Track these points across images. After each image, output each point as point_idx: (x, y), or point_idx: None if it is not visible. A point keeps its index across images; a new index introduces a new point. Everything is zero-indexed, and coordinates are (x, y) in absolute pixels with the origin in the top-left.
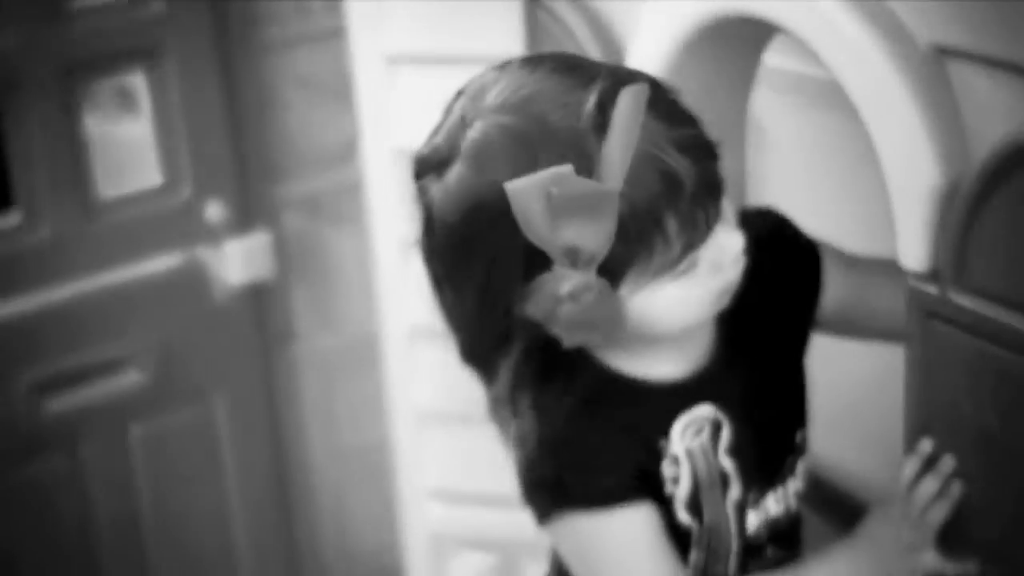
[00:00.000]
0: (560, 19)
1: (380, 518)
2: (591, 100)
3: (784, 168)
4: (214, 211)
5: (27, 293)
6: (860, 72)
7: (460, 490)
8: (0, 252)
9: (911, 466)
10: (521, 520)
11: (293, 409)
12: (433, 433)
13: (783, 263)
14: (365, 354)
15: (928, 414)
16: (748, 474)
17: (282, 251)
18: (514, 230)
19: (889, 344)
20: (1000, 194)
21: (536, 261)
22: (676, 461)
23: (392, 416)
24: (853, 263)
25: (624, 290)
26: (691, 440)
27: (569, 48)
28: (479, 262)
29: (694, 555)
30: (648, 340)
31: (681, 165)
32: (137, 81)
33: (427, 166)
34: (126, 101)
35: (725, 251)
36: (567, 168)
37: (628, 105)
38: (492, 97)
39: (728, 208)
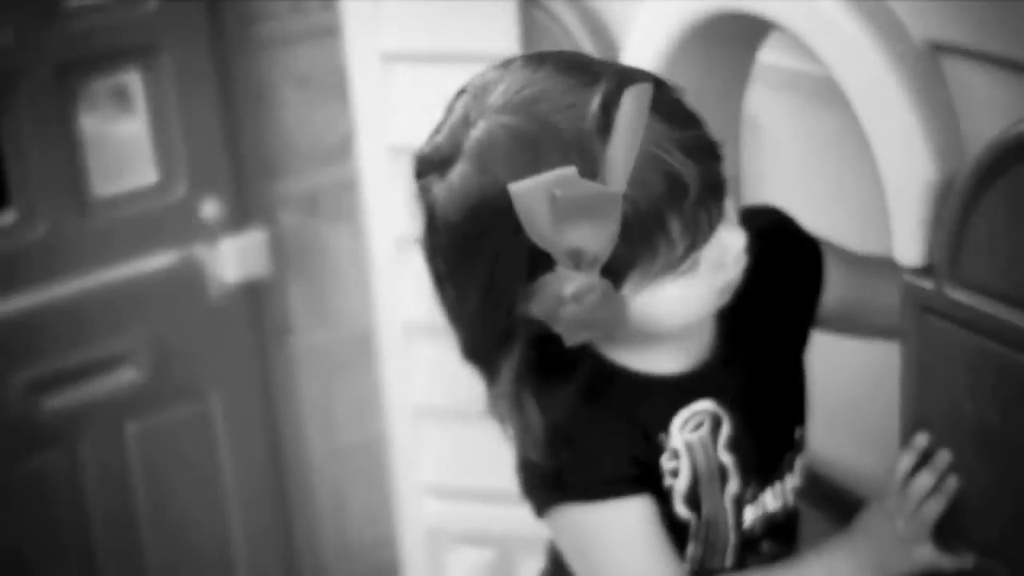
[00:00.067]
0: (556, 17)
1: (377, 514)
2: (595, 101)
3: (779, 165)
4: (210, 209)
5: (23, 291)
6: (855, 68)
7: (457, 485)
8: None
9: (907, 460)
10: (518, 515)
11: (290, 406)
12: (430, 429)
13: (784, 260)
14: (361, 351)
15: (924, 409)
16: (747, 469)
17: (278, 248)
18: (517, 230)
19: (888, 341)
20: (995, 189)
21: (539, 261)
22: (675, 455)
23: (389, 412)
24: (854, 261)
25: (627, 290)
26: (691, 434)
27: (565, 46)
28: (482, 261)
29: (691, 548)
30: (650, 336)
31: (685, 166)
32: (133, 79)
33: (429, 165)
34: (122, 99)
35: (727, 250)
36: (571, 170)
37: (632, 106)
38: (495, 97)
39: (730, 207)
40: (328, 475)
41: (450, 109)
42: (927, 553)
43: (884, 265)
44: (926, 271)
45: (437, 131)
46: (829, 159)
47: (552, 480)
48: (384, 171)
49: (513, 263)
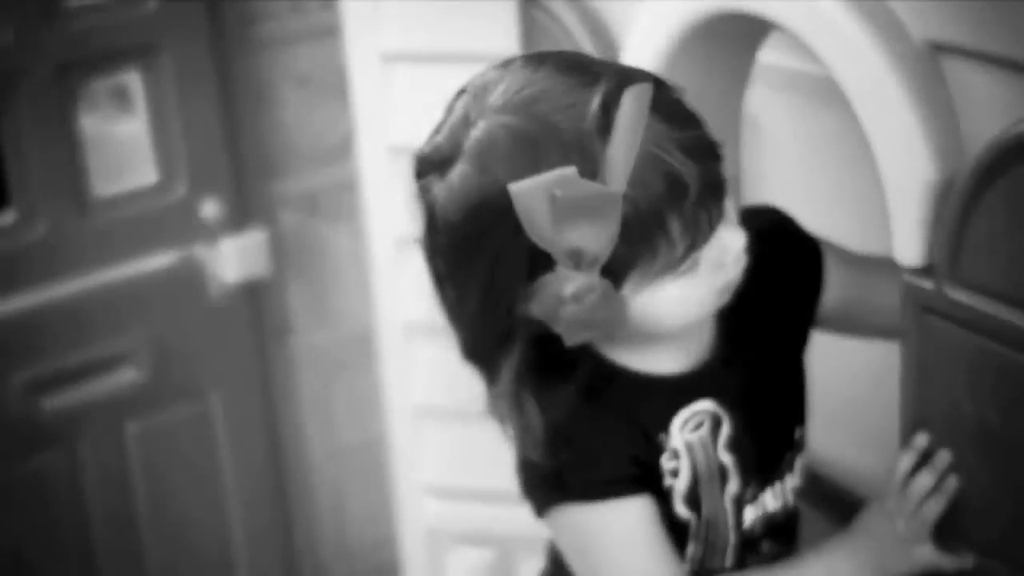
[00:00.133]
0: (556, 17)
1: (377, 514)
2: (595, 101)
3: (780, 164)
4: (210, 209)
5: (23, 291)
6: (855, 68)
7: (457, 486)
8: None
9: (906, 460)
10: (518, 515)
11: (290, 406)
12: (429, 429)
13: (784, 261)
14: (361, 351)
15: (924, 409)
16: (747, 469)
17: (278, 248)
18: (518, 230)
19: (888, 341)
20: (995, 189)
21: (539, 261)
22: (675, 454)
23: (389, 412)
24: (855, 261)
25: (627, 290)
26: (691, 434)
27: (564, 46)
28: (482, 261)
29: (691, 548)
30: (650, 336)
31: (685, 167)
32: (133, 79)
33: (429, 165)
34: (122, 99)
35: (727, 250)
36: (571, 170)
37: (632, 106)
38: (496, 97)
39: (730, 207)
40: (328, 475)
41: (450, 109)
42: (927, 553)
43: (884, 265)
44: (926, 271)
45: (437, 131)
46: (829, 159)
47: (552, 480)
48: (384, 171)
49: (513, 263)
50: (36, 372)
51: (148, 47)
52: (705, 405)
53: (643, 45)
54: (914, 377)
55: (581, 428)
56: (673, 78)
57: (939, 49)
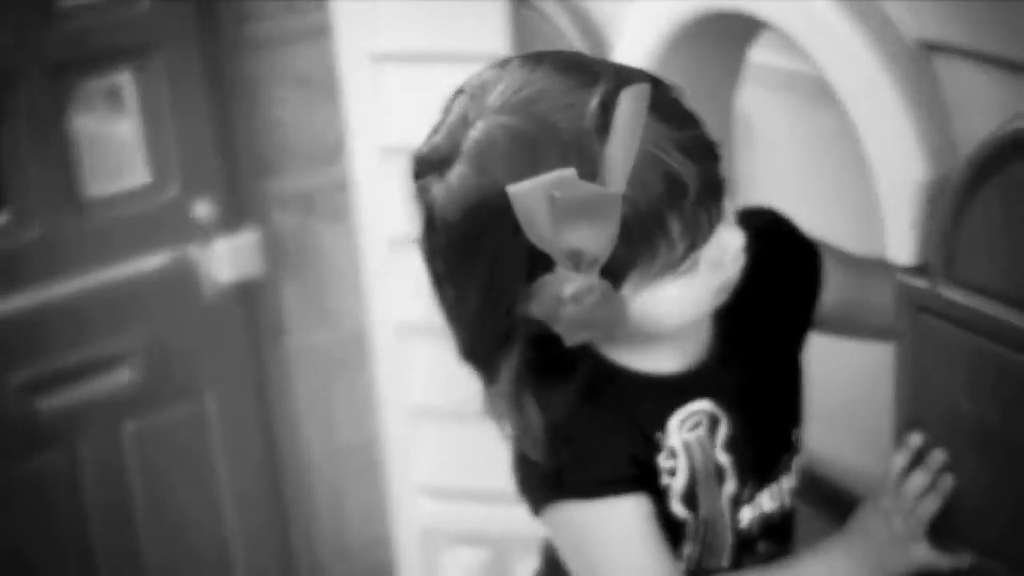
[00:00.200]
0: (547, 17)
1: (372, 513)
2: (594, 101)
3: (772, 164)
4: (203, 209)
5: (17, 292)
6: (847, 68)
7: (452, 486)
8: None
9: (901, 459)
10: (512, 515)
11: (285, 406)
12: (425, 429)
13: (782, 262)
14: (356, 351)
15: (918, 408)
16: (744, 469)
17: (272, 249)
18: (517, 230)
19: (886, 342)
20: (988, 188)
21: (539, 261)
22: (673, 453)
23: (383, 412)
24: (852, 263)
25: (626, 290)
26: (688, 433)
27: (555, 46)
28: (482, 262)
29: (688, 548)
30: (649, 336)
31: (684, 167)
32: (126, 80)
33: (428, 165)
34: (115, 100)
35: (726, 249)
36: (570, 171)
37: (630, 107)
38: (494, 97)
39: (728, 206)
40: (323, 475)
41: (447, 109)
42: (923, 552)
43: (881, 266)
44: (920, 270)
45: (435, 131)
46: (822, 159)
47: (549, 478)
48: (376, 171)
49: (512, 263)
50: (32, 373)
51: (141, 47)
52: (703, 405)
53: (634, 45)
54: (908, 376)
55: (580, 427)
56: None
57: (931, 48)
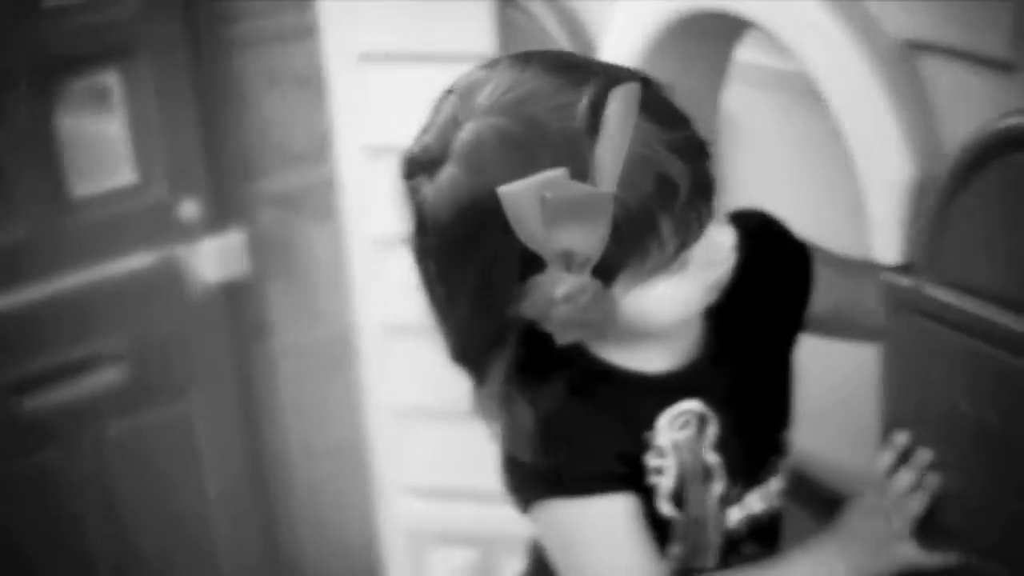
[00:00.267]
0: (532, 17)
1: (359, 514)
2: (583, 101)
3: (758, 163)
4: (189, 209)
5: (2, 292)
6: (832, 67)
7: (438, 486)
8: None
9: (886, 458)
10: (500, 515)
11: (270, 406)
12: (410, 429)
13: (773, 264)
14: (342, 350)
15: (905, 406)
16: (732, 470)
17: (257, 249)
18: (508, 231)
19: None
20: (973, 186)
21: (530, 262)
22: (661, 453)
23: (369, 412)
24: (843, 265)
25: (618, 289)
26: (677, 433)
27: (541, 46)
28: (473, 263)
29: (674, 547)
30: (639, 334)
31: (674, 167)
32: (111, 79)
33: (417, 166)
34: (100, 100)
35: (717, 248)
36: (560, 172)
37: (620, 107)
38: (483, 97)
39: (719, 204)
40: (310, 475)
41: (437, 110)
42: (909, 551)
43: (871, 268)
44: (905, 269)
45: (424, 132)
46: (809, 158)
47: (537, 476)
48: (362, 171)
49: (504, 264)
50: (17, 373)
51: (127, 47)
52: (692, 405)
53: (619, 44)
54: (894, 374)
55: (568, 424)
56: None
57: (915, 47)
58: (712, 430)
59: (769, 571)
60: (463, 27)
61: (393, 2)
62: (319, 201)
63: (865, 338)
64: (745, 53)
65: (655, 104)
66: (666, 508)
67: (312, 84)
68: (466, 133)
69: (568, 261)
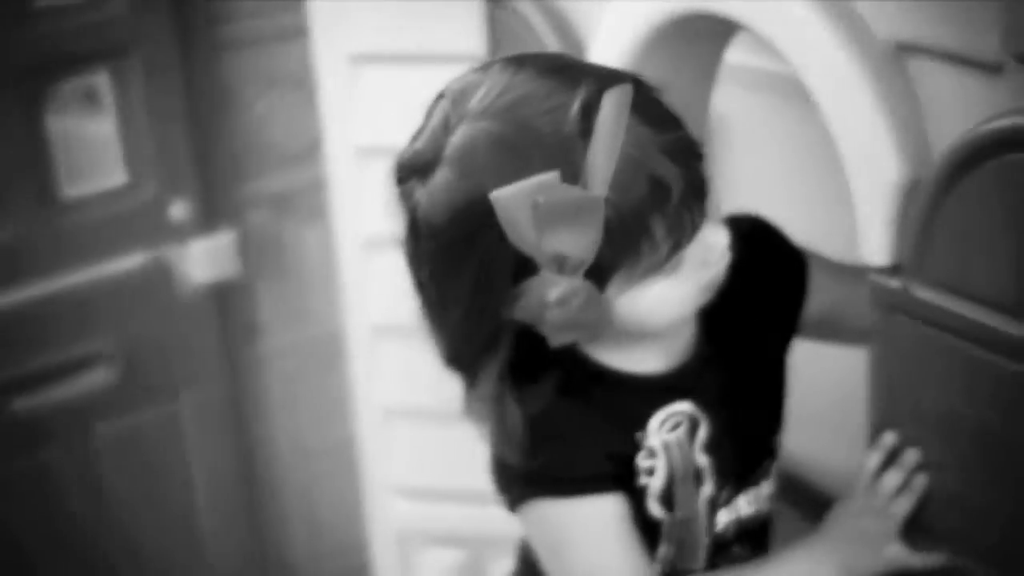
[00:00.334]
0: (522, 18)
1: (347, 515)
2: (575, 105)
3: (749, 164)
4: (179, 210)
5: None
6: (821, 69)
7: (427, 486)
8: None
9: (874, 459)
10: (488, 515)
11: (259, 407)
12: (399, 430)
13: (768, 267)
14: (331, 351)
15: (892, 407)
16: (723, 472)
17: (247, 249)
18: (501, 235)
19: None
20: (962, 189)
21: (523, 265)
22: (652, 453)
23: (358, 413)
24: (838, 270)
25: (611, 291)
26: (668, 434)
27: (531, 47)
28: (466, 267)
29: (663, 548)
30: (633, 335)
31: (667, 170)
32: (101, 80)
33: (410, 170)
34: (90, 100)
35: (711, 248)
36: (552, 176)
37: (612, 110)
38: (476, 101)
39: (713, 205)
40: (298, 476)
41: (429, 114)
42: (896, 552)
43: (863, 273)
44: (893, 270)
45: (417, 136)
46: (799, 159)
47: (526, 475)
48: (352, 172)
49: (497, 268)
50: (6, 374)
51: (117, 48)
52: (683, 406)
53: (609, 45)
54: (881, 376)
55: (559, 424)
56: None
57: (904, 49)
58: (703, 432)
59: (757, 572)
60: (453, 28)
61: (383, 3)
62: (309, 202)
63: (860, 342)
64: (736, 55)
65: (647, 106)
66: (655, 509)
67: (302, 85)
68: (458, 137)
69: (561, 264)
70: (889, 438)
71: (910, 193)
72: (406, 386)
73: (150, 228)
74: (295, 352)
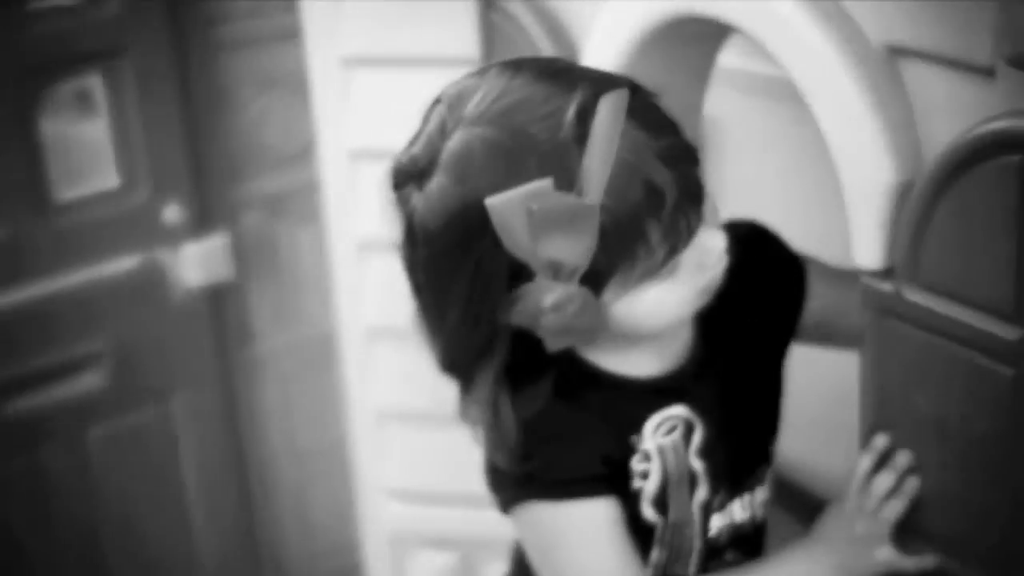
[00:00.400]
0: (515, 20)
1: (340, 517)
2: (571, 110)
3: (742, 167)
4: (172, 213)
5: None
6: (814, 72)
7: (419, 489)
8: None
9: (866, 461)
10: (481, 518)
11: (252, 409)
12: (392, 432)
13: (765, 273)
14: (324, 354)
15: (884, 410)
16: (717, 477)
17: (240, 252)
18: (497, 241)
19: None
20: (954, 192)
21: (519, 271)
22: (646, 457)
23: (351, 416)
24: (836, 276)
25: (608, 295)
26: (663, 438)
27: (525, 49)
28: (463, 272)
29: (656, 553)
30: (629, 338)
31: (662, 175)
32: (95, 83)
33: (406, 176)
34: (84, 103)
35: (708, 251)
36: (547, 182)
37: (607, 115)
38: (472, 106)
39: (709, 209)
40: (291, 478)
41: (426, 119)
42: (888, 554)
43: (857, 276)
44: (885, 274)
45: (413, 141)
46: (792, 162)
47: (520, 477)
48: (345, 174)
49: (493, 273)
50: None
51: (110, 50)
52: (679, 410)
53: (603, 48)
54: (874, 379)
55: (554, 426)
56: None
57: (897, 52)
58: (698, 436)
59: (749, 575)
60: (446, 31)
61: (376, 6)
62: (303, 204)
63: (851, 345)
64: (729, 58)
65: (643, 111)
66: (649, 513)
67: (295, 87)
68: (454, 143)
69: (556, 270)
70: (881, 440)
71: (903, 196)
72: (399, 388)
73: (143, 231)
74: (288, 354)
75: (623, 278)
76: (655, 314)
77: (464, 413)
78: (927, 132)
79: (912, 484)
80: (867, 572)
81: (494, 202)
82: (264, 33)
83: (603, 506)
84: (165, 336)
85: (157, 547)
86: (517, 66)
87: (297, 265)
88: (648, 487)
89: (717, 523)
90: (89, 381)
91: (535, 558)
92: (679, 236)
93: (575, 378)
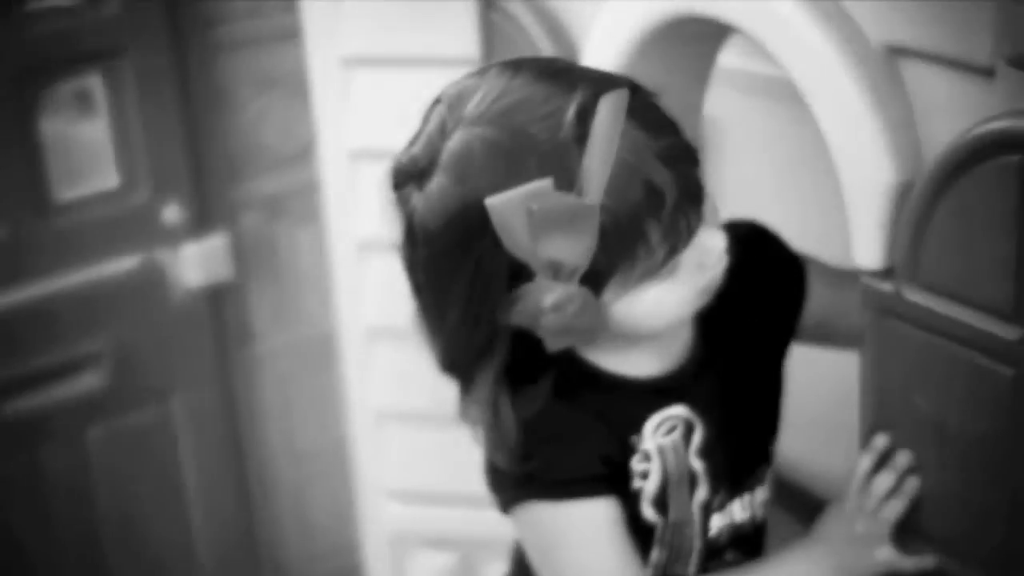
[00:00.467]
0: (515, 20)
1: (340, 517)
2: (571, 110)
3: (742, 167)
4: (172, 213)
5: None
6: (814, 72)
7: (419, 489)
8: None
9: (866, 461)
10: (481, 518)
11: (252, 409)
12: (392, 432)
13: (766, 275)
14: (323, 354)
15: (884, 410)
16: (717, 477)
17: (240, 252)
18: (497, 241)
19: None
20: (954, 192)
21: (519, 271)
22: (646, 457)
23: (351, 416)
24: (834, 276)
25: (608, 296)
26: (663, 438)
27: (525, 49)
28: (463, 272)
29: (656, 553)
30: (629, 338)
31: (662, 175)
32: (94, 83)
33: (406, 176)
34: (83, 103)
35: (708, 251)
36: (547, 182)
37: (607, 115)
38: (472, 106)
39: (709, 209)
40: (290, 479)
41: (426, 119)
42: (888, 554)
43: (857, 277)
44: (885, 274)
45: (413, 141)
46: (792, 162)
47: (520, 477)
48: (345, 174)
49: (493, 274)
50: None
51: (110, 50)
52: (679, 411)
53: (602, 48)
54: (874, 379)
55: (553, 426)
56: None
57: (897, 52)
58: (698, 436)
59: (749, 575)
60: (446, 31)
61: (376, 6)
62: (302, 205)
63: (851, 345)
64: (729, 58)
65: (643, 111)
66: (649, 513)
67: (295, 87)
68: (454, 143)
69: (556, 270)
70: (881, 440)
71: (903, 196)
72: (399, 388)
73: (143, 231)
74: (288, 354)
75: (623, 278)
76: (655, 314)
77: (464, 413)
78: (927, 132)
79: (912, 484)
80: (867, 572)
81: (494, 202)
82: (264, 33)
83: (603, 506)
84: (165, 336)
85: (157, 547)
86: (517, 66)
87: (297, 265)
88: (648, 487)
89: (717, 523)
90: (89, 381)
91: (535, 558)
92: (679, 236)
93: (575, 378)
